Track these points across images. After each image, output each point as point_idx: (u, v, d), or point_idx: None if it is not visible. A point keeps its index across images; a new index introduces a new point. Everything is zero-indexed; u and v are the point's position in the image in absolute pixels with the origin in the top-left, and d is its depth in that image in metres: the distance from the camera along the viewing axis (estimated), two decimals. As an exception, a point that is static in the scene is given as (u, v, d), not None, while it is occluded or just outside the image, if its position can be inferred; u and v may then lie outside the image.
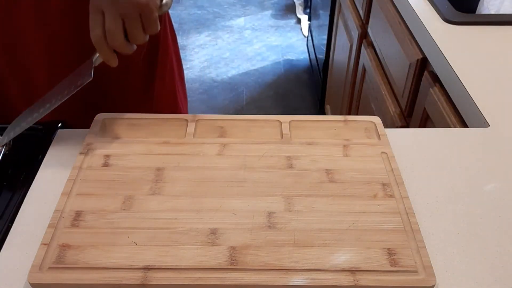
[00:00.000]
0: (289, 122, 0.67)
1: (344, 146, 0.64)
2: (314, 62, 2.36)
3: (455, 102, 0.83)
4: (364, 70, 1.41)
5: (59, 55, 0.77)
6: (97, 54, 0.62)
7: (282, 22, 3.08)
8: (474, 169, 0.63)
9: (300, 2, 3.20)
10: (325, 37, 1.97)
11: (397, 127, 1.08)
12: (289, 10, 3.21)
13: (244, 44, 2.85)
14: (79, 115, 0.76)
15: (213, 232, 0.52)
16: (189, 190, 0.57)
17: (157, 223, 0.53)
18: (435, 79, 0.92)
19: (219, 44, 2.85)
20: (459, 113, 0.81)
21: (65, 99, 0.62)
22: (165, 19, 0.88)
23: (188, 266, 0.48)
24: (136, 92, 0.89)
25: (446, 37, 0.92)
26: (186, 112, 1.05)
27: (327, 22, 1.92)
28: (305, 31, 2.91)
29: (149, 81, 0.90)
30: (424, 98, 0.95)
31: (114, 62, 0.62)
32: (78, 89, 0.62)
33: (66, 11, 0.74)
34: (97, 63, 0.63)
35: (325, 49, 2.00)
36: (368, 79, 1.37)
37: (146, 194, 0.56)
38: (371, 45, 1.36)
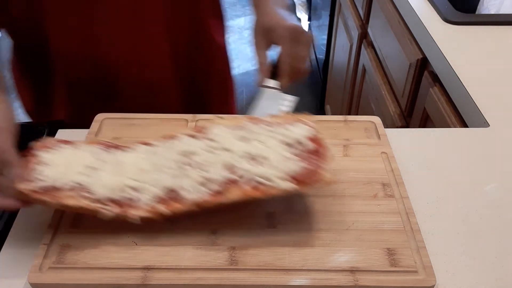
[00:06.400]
0: (289, 122, 0.67)
1: (344, 146, 0.64)
2: (314, 62, 2.35)
3: (455, 102, 0.83)
4: (364, 70, 1.41)
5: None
6: None
7: (282, 22, 3.07)
8: (474, 169, 0.63)
9: (300, 2, 3.20)
10: (325, 37, 1.97)
11: (397, 127, 1.08)
12: (289, 10, 3.20)
13: (244, 44, 2.85)
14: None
15: (213, 232, 0.52)
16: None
17: (157, 222, 0.52)
18: (435, 79, 0.92)
19: (219, 44, 2.85)
20: (459, 113, 0.81)
21: None
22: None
23: (188, 266, 0.48)
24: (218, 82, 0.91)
25: (446, 37, 0.92)
26: (235, 107, 1.03)
27: (327, 22, 1.92)
28: (305, 31, 2.90)
29: (226, 75, 0.92)
30: (424, 98, 0.95)
31: None
32: None
33: None
34: None
35: (325, 49, 2.00)
36: (368, 79, 1.37)
37: (146, 194, 0.56)
38: (371, 45, 1.36)
